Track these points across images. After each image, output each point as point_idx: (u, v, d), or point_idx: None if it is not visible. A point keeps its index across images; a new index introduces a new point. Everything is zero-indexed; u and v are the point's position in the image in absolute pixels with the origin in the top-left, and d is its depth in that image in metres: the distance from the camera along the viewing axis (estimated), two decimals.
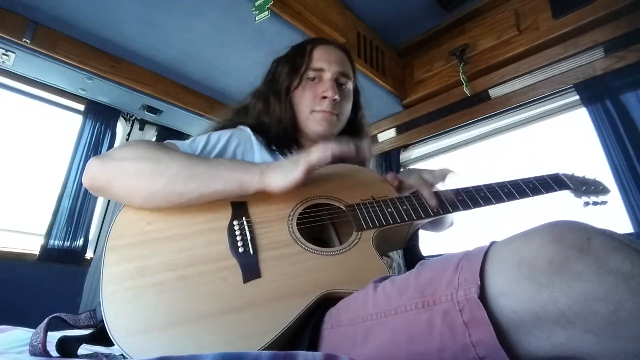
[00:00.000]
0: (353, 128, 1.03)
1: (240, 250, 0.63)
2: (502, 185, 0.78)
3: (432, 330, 0.41)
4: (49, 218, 1.91)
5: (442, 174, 0.81)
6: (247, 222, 0.67)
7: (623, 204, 1.37)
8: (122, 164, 0.67)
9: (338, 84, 0.93)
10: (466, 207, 0.75)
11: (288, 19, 1.52)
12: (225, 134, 0.85)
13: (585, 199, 0.86)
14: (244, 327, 0.53)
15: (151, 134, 2.41)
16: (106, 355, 0.62)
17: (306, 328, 0.56)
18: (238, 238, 0.64)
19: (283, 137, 0.90)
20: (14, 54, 1.67)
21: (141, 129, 2.37)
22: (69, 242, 1.94)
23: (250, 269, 0.60)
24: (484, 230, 1.69)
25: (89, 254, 2.05)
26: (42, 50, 1.66)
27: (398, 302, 0.46)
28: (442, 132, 2.12)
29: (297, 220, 0.70)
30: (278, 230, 0.67)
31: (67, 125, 2.13)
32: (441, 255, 0.48)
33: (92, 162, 0.68)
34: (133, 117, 2.33)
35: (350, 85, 0.97)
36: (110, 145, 2.15)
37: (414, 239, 0.84)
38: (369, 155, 0.99)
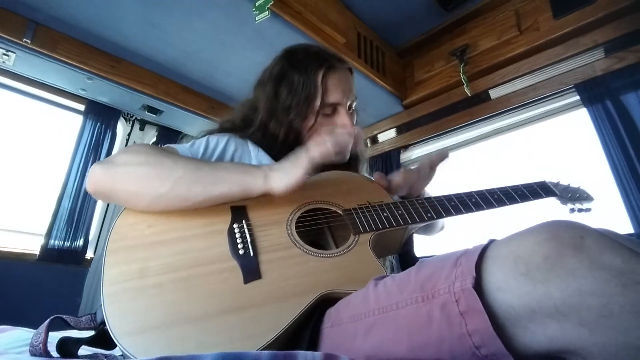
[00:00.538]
0: None
1: (241, 252, 0.63)
2: (492, 192, 0.81)
3: (431, 323, 0.42)
4: (49, 218, 1.91)
5: (431, 161, 0.86)
6: (247, 225, 0.68)
7: (623, 204, 1.38)
8: (125, 169, 0.67)
9: (348, 108, 0.90)
10: (458, 212, 0.77)
11: (288, 19, 1.52)
12: (223, 138, 0.85)
13: (570, 205, 0.90)
14: (245, 327, 0.54)
15: (151, 134, 2.41)
16: (106, 356, 0.62)
17: (306, 328, 0.57)
18: (238, 240, 0.65)
19: (286, 150, 0.89)
20: (14, 54, 1.67)
21: (141, 129, 2.38)
22: (69, 242, 1.94)
23: (251, 270, 0.61)
24: (477, 234, 1.70)
25: (89, 254, 2.05)
26: (42, 50, 1.66)
27: (399, 297, 0.47)
28: (442, 133, 2.12)
29: (295, 223, 0.71)
30: (277, 233, 0.68)
31: (67, 125, 2.13)
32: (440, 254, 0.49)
33: (96, 168, 0.68)
34: (133, 117, 2.33)
35: (355, 104, 0.93)
36: (111, 146, 2.15)
37: (408, 243, 0.86)
38: (362, 158, 1.00)
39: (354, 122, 0.92)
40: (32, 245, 1.89)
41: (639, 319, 0.32)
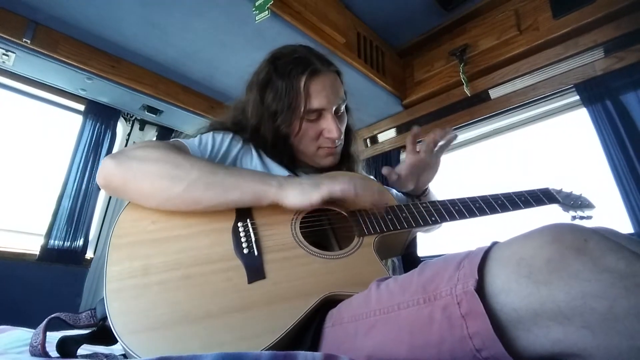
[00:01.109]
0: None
1: (245, 251, 0.63)
2: (495, 197, 0.81)
3: (432, 324, 0.42)
4: (49, 218, 1.91)
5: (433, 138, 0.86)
6: (252, 224, 0.68)
7: (623, 204, 1.38)
8: (140, 166, 0.66)
9: (335, 112, 0.88)
10: (462, 216, 0.77)
11: (288, 19, 1.52)
12: (227, 137, 0.85)
13: (572, 212, 0.90)
14: (248, 327, 0.54)
15: (151, 134, 2.41)
16: (106, 356, 0.62)
17: (308, 329, 0.57)
18: (243, 239, 0.65)
19: (277, 152, 0.89)
20: (14, 54, 1.67)
21: (141, 129, 2.37)
22: (69, 242, 1.94)
23: (255, 270, 0.61)
24: (480, 236, 1.70)
25: (89, 254, 2.05)
26: (42, 50, 1.66)
27: (401, 298, 0.47)
28: None
29: (300, 224, 0.71)
30: (282, 233, 0.68)
31: (67, 125, 2.13)
32: (442, 255, 0.49)
33: (108, 161, 0.67)
34: (133, 117, 2.33)
35: (343, 106, 0.91)
36: (111, 146, 2.15)
37: (412, 246, 0.87)
38: (358, 158, 1.01)
39: (344, 125, 0.91)
40: (32, 245, 1.89)
41: None
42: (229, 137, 0.85)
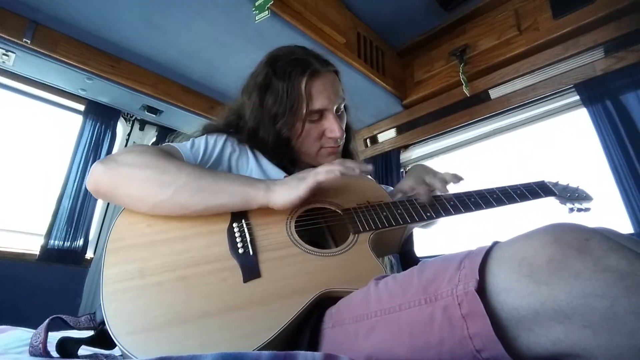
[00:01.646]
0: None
1: (240, 251, 0.63)
2: (491, 191, 0.81)
3: (433, 325, 0.42)
4: (49, 218, 1.91)
5: (443, 179, 0.83)
6: (247, 224, 0.69)
7: (623, 204, 1.38)
8: (128, 171, 0.67)
9: (336, 111, 0.88)
10: (458, 211, 0.77)
11: (288, 19, 1.52)
12: (220, 139, 0.85)
13: (569, 205, 0.90)
14: (245, 325, 0.54)
15: (151, 134, 2.41)
16: (106, 357, 0.62)
17: (306, 327, 0.57)
18: (238, 240, 0.65)
19: (277, 154, 0.89)
20: (14, 54, 1.67)
21: (141, 129, 2.37)
22: (69, 243, 1.94)
23: (250, 269, 0.61)
24: (479, 235, 1.70)
25: (89, 254, 2.05)
26: (42, 50, 1.66)
27: (402, 299, 0.47)
28: (442, 133, 2.12)
29: (295, 223, 0.71)
30: (277, 233, 0.69)
31: (67, 125, 2.13)
32: (441, 255, 0.49)
33: (97, 167, 0.68)
34: (133, 117, 2.33)
35: (343, 105, 0.91)
36: (111, 145, 2.15)
37: (409, 243, 0.87)
38: (356, 156, 1.01)
39: (344, 124, 0.91)
40: (32, 245, 1.89)
41: None
42: (222, 139, 0.85)
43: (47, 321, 0.59)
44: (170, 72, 2.01)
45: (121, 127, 2.28)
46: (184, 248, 0.63)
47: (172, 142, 0.85)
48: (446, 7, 1.87)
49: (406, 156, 2.30)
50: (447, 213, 0.77)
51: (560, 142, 1.82)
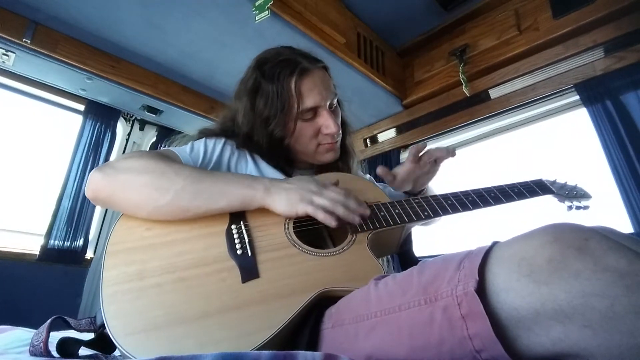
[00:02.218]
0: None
1: (239, 252, 0.64)
2: (489, 190, 0.81)
3: (432, 325, 0.42)
4: (49, 218, 1.91)
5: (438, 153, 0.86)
6: (245, 226, 0.69)
7: (623, 204, 1.38)
8: (126, 177, 0.67)
9: (329, 107, 0.88)
10: (455, 210, 0.77)
11: (288, 19, 1.52)
12: (219, 142, 0.86)
13: (568, 203, 0.90)
14: (244, 324, 0.54)
15: (151, 134, 2.41)
16: (106, 357, 0.62)
17: (305, 327, 0.57)
18: (236, 241, 0.66)
19: (273, 156, 0.89)
20: (14, 54, 1.67)
21: (141, 129, 2.37)
22: (69, 242, 1.94)
23: (249, 270, 0.61)
24: (479, 234, 1.70)
25: (89, 254, 2.05)
26: (42, 50, 1.66)
27: (401, 299, 0.47)
28: (442, 132, 2.12)
29: (293, 224, 0.71)
30: (275, 234, 0.69)
31: (67, 125, 2.13)
32: (441, 255, 0.49)
33: (95, 174, 0.68)
34: (133, 117, 2.33)
35: (336, 100, 0.91)
36: (111, 146, 2.15)
37: (407, 243, 0.87)
38: (353, 152, 1.01)
39: (339, 119, 0.91)
40: (32, 245, 1.89)
41: None
42: (220, 142, 0.85)
43: (49, 321, 0.59)
44: (170, 72, 2.01)
45: (121, 127, 2.28)
46: (182, 250, 0.63)
47: (169, 146, 0.86)
48: (446, 7, 1.87)
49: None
50: (445, 212, 0.77)
51: (560, 142, 1.82)
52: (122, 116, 2.27)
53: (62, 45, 1.71)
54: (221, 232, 0.67)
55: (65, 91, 2.00)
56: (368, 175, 1.10)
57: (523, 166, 1.93)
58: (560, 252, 0.37)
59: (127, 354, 0.50)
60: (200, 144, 0.83)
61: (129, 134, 2.33)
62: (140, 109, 2.15)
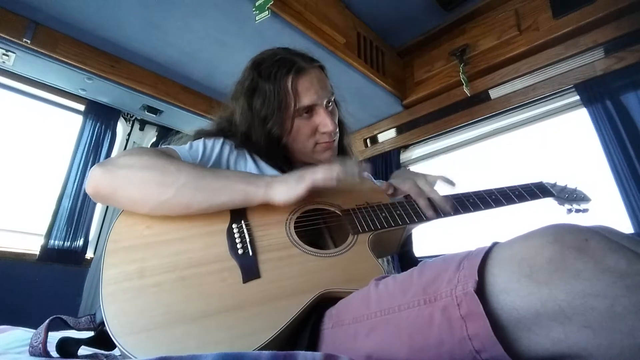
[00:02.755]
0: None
1: (240, 252, 0.64)
2: (489, 192, 0.81)
3: (432, 325, 0.42)
4: (49, 218, 1.91)
5: (434, 180, 0.83)
6: (246, 225, 0.69)
7: (623, 204, 1.38)
8: (127, 173, 0.67)
9: (326, 106, 0.88)
10: (456, 212, 0.78)
11: (288, 19, 1.52)
12: (218, 141, 0.86)
13: (568, 206, 0.91)
14: (244, 325, 0.54)
15: (151, 134, 2.41)
16: (106, 357, 0.62)
17: (305, 328, 0.57)
18: (237, 240, 0.65)
19: (271, 155, 0.89)
20: (14, 54, 1.67)
21: (141, 129, 2.37)
22: (69, 242, 1.94)
23: (250, 269, 0.61)
24: (479, 234, 1.70)
25: (89, 254, 2.05)
26: (42, 50, 1.66)
27: (401, 300, 0.47)
28: (442, 133, 2.12)
29: (294, 224, 0.71)
30: (276, 234, 0.69)
31: (67, 125, 2.13)
32: (441, 255, 0.49)
33: (96, 170, 0.67)
34: (133, 117, 2.33)
35: (333, 99, 0.91)
36: (111, 146, 2.15)
37: (407, 244, 0.87)
38: (351, 151, 1.01)
39: (336, 118, 0.91)
40: (32, 245, 1.89)
41: None
42: (219, 142, 0.86)
43: (47, 321, 0.59)
44: (170, 72, 2.01)
45: (121, 127, 2.28)
46: (183, 249, 0.63)
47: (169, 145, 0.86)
48: (446, 7, 1.87)
49: (406, 156, 2.31)
50: (446, 214, 0.77)
51: (561, 142, 1.82)
52: (122, 116, 2.27)
53: (62, 45, 1.71)
54: (222, 231, 0.67)
55: (65, 91, 2.00)
56: (366, 173, 1.11)
57: (523, 166, 1.93)
58: (561, 253, 0.37)
59: (127, 353, 0.50)
60: (199, 143, 0.83)
61: (129, 134, 2.33)
62: (140, 109, 2.15)
